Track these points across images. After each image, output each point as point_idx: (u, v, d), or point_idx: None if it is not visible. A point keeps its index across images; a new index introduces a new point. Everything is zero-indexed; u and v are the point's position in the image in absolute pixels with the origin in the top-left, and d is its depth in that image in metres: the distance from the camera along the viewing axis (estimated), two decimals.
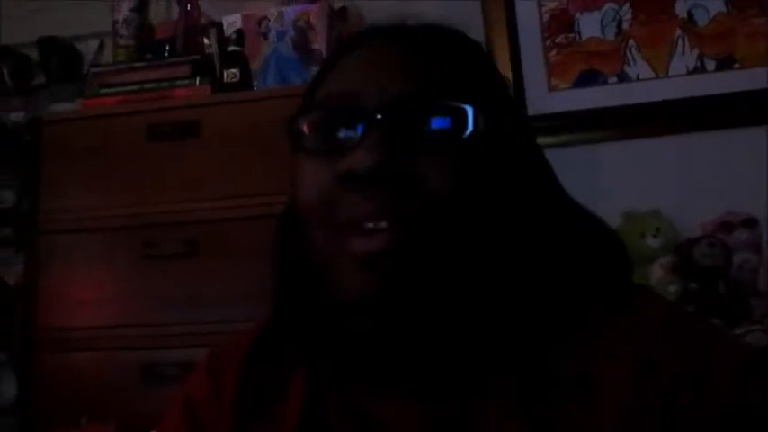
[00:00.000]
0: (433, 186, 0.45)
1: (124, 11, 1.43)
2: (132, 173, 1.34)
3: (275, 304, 0.54)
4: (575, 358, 0.47)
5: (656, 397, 0.44)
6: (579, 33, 1.52)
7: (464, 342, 0.47)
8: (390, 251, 0.44)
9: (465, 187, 0.45)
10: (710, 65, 1.46)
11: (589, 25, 1.51)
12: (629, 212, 1.38)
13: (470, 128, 0.46)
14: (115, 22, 1.46)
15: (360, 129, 0.45)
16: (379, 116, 0.45)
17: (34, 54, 1.73)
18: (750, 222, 1.34)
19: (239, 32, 1.35)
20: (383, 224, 0.44)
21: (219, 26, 1.39)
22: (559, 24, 1.53)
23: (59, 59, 1.72)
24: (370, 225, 0.44)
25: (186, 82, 1.35)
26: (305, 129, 0.49)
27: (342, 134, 0.47)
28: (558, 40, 1.52)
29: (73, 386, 1.31)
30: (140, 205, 1.33)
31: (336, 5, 1.40)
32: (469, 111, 0.46)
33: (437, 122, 0.46)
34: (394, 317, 0.45)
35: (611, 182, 1.44)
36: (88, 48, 1.73)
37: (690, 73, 1.46)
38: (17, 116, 1.72)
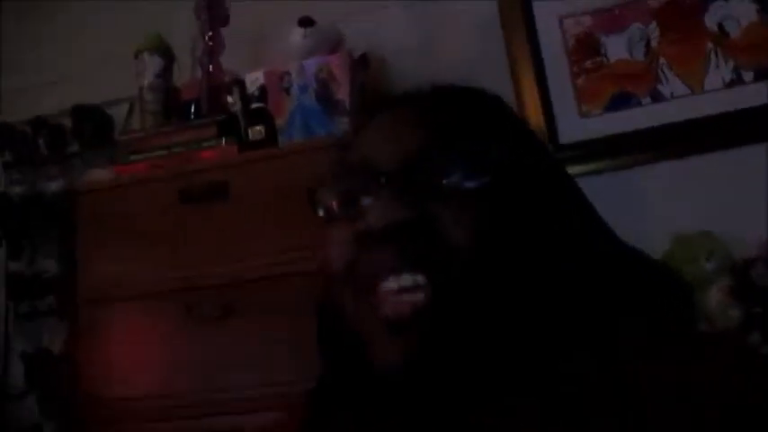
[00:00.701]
0: (449, 235, 0.45)
1: (149, 77, 1.45)
2: (166, 238, 1.33)
3: (321, 372, 0.55)
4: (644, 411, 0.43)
5: None
6: (606, 56, 1.48)
7: (493, 380, 0.46)
8: (417, 314, 0.44)
9: (483, 234, 0.46)
10: (748, 76, 1.40)
11: (616, 47, 1.48)
12: (679, 236, 1.32)
13: (483, 175, 0.46)
14: (141, 88, 1.48)
15: (375, 190, 0.47)
16: (392, 175, 0.46)
17: (68, 122, 1.78)
18: None
19: (262, 89, 1.35)
20: (407, 280, 0.44)
21: (242, 83, 1.40)
22: (585, 49, 1.49)
23: (92, 126, 1.76)
24: (393, 284, 0.44)
25: (213, 142, 1.36)
26: (326, 201, 0.51)
27: (360, 199, 0.48)
28: (585, 64, 1.49)
29: None
30: (176, 269, 1.32)
31: (356, 53, 1.39)
32: (481, 159, 0.47)
33: (450, 173, 0.47)
34: (425, 376, 0.45)
35: (657, 206, 1.38)
36: (119, 111, 1.77)
37: (727, 86, 1.41)
38: (55, 185, 1.76)
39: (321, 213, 0.51)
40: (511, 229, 0.47)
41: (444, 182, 0.47)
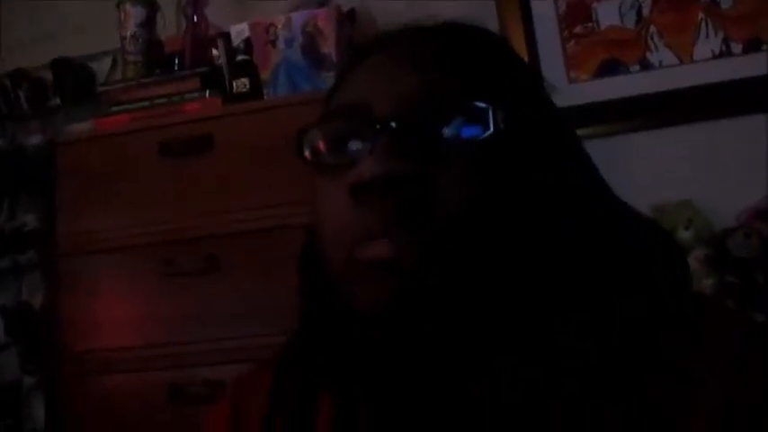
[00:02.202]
0: (449, 196, 0.42)
1: (131, 27, 1.42)
2: (147, 190, 1.32)
3: (299, 324, 0.52)
4: (644, 378, 0.42)
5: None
6: (597, 22, 1.47)
7: (483, 341, 0.44)
8: (399, 258, 0.41)
9: (483, 194, 0.42)
10: (737, 48, 1.40)
11: (607, 13, 1.47)
12: (660, 205, 1.33)
13: (490, 129, 0.43)
14: (123, 39, 1.44)
15: (371, 137, 0.43)
16: (392, 123, 0.42)
17: (49, 76, 1.74)
18: None
19: (247, 41, 1.33)
20: (395, 236, 0.41)
21: (227, 36, 1.37)
22: (576, 14, 1.48)
23: (74, 80, 1.73)
24: (382, 242, 0.42)
25: (196, 95, 1.33)
26: (316, 144, 0.46)
27: (355, 147, 0.45)
28: (575, 30, 1.48)
29: (100, 409, 1.29)
30: (157, 223, 1.31)
31: (345, 8, 1.37)
32: (488, 110, 0.43)
33: (453, 125, 0.43)
34: (408, 325, 0.42)
35: (640, 174, 1.39)
36: (102, 66, 1.74)
37: (715, 57, 1.41)
38: (35, 139, 1.73)
39: (309, 158, 0.46)
40: (511, 190, 0.44)
41: (447, 136, 0.43)
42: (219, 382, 1.22)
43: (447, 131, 0.43)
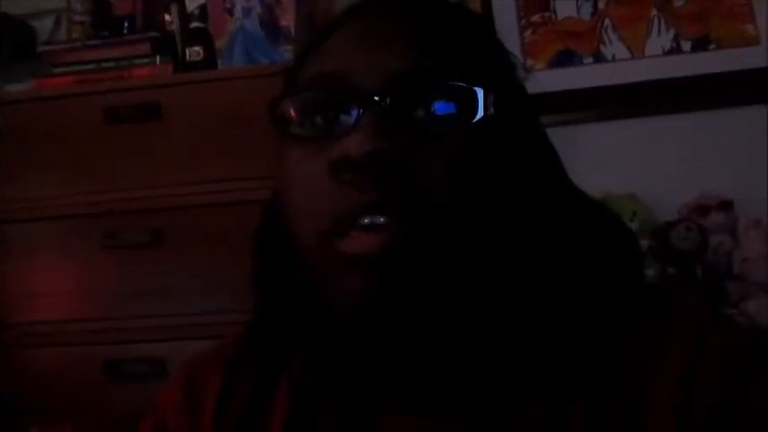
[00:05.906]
0: (437, 178, 0.40)
1: None
2: (91, 158, 1.27)
3: (258, 307, 0.50)
4: (610, 360, 0.42)
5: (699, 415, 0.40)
6: (555, 12, 1.49)
7: (479, 347, 0.43)
8: (386, 252, 0.39)
9: (471, 179, 0.41)
10: (686, 45, 1.44)
11: (565, 3, 1.48)
12: (605, 196, 1.36)
13: (480, 112, 0.41)
14: None
15: (355, 111, 0.40)
16: (376, 97, 0.40)
17: None
18: (725, 205, 1.33)
19: (203, 8, 1.29)
20: (381, 219, 0.39)
21: (181, 1, 1.32)
22: (535, 3, 1.49)
23: (11, 37, 1.63)
24: (367, 220, 0.39)
25: (146, 61, 1.29)
26: (292, 113, 0.43)
27: (335, 118, 0.42)
28: (533, 18, 1.49)
29: (29, 385, 1.25)
30: (100, 192, 1.26)
31: None
32: (479, 92, 0.41)
33: (443, 104, 0.41)
34: (392, 321, 0.40)
35: (587, 165, 1.38)
36: (44, 25, 1.65)
37: (665, 54, 1.44)
38: None
39: (283, 127, 0.43)
40: (500, 175, 0.43)
41: (435, 115, 0.41)
42: (159, 360, 1.19)
43: (435, 110, 0.41)
